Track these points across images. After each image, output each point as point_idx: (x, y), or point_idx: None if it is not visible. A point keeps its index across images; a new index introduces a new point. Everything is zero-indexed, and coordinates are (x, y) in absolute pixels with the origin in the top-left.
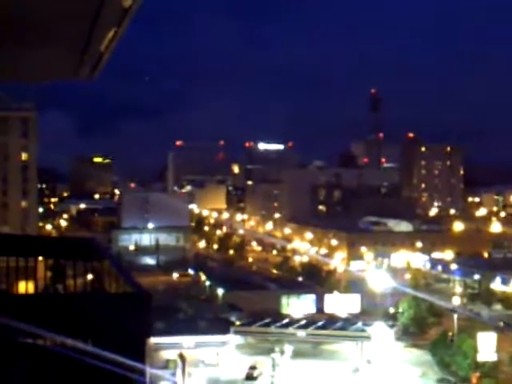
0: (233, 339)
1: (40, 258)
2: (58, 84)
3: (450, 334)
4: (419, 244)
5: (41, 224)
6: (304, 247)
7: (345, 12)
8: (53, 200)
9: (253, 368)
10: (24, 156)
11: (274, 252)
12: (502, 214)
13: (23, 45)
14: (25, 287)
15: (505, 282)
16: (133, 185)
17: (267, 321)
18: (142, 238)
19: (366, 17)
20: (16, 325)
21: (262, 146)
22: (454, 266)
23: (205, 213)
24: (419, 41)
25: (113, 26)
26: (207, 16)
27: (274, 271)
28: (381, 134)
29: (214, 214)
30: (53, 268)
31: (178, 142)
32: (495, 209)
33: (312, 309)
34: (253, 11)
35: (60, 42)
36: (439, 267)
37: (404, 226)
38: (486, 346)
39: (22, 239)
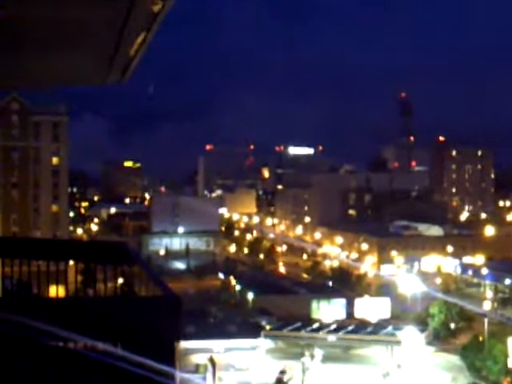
0: (263, 343)
1: (71, 262)
2: (90, 87)
3: (481, 338)
4: (450, 248)
5: (71, 228)
6: (334, 251)
7: (375, 14)
8: (83, 204)
9: (283, 372)
10: (55, 160)
11: (305, 256)
12: None
13: (54, 50)
14: (56, 291)
15: None
16: (163, 189)
17: (297, 325)
18: (172, 243)
19: (395, 20)
20: (47, 328)
21: (292, 150)
22: (484, 271)
23: (235, 217)
24: (450, 43)
25: (142, 30)
26: (237, 18)
27: (305, 275)
28: (411, 138)
29: (244, 219)
30: (83, 272)
31: (208, 146)
32: None
33: (342, 313)
34: (282, 13)
35: (90, 48)
36: (470, 272)
37: (435, 231)
38: None
39: (53, 243)
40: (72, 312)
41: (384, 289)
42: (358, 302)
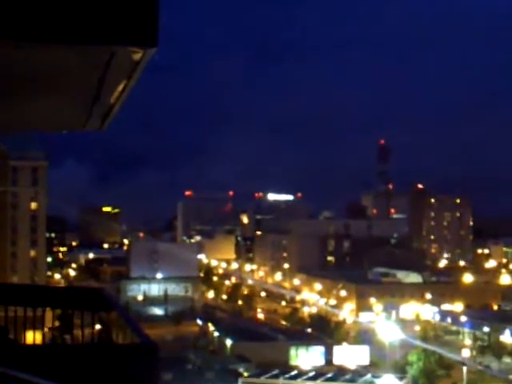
0: None
1: (48, 308)
2: (70, 133)
3: None
4: (428, 296)
5: (49, 273)
6: (313, 298)
7: (353, 61)
8: (62, 249)
9: None
10: (33, 205)
11: (283, 303)
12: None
13: (31, 96)
14: (32, 337)
15: None
16: (142, 234)
17: (276, 372)
18: (150, 288)
19: (375, 63)
20: (23, 376)
21: (271, 196)
22: (463, 318)
23: (214, 263)
24: (429, 92)
25: (123, 78)
26: (215, 64)
27: (283, 322)
28: (390, 185)
29: (223, 265)
30: (60, 318)
31: (188, 192)
32: (504, 261)
33: (321, 360)
34: (262, 58)
35: (69, 95)
36: (449, 319)
37: (413, 278)
38: None
39: (30, 289)
40: (49, 359)
41: (362, 336)
42: (336, 349)
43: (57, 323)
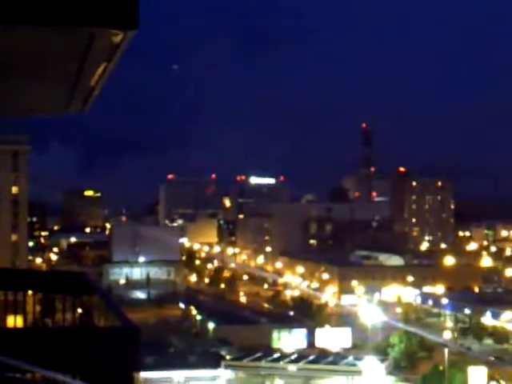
0: (223, 374)
1: (29, 292)
2: (52, 117)
3: (441, 368)
4: (410, 278)
5: (31, 258)
6: (295, 281)
7: (338, 45)
8: (43, 234)
9: None
10: (14, 189)
11: (266, 286)
12: (493, 249)
13: (11, 80)
14: (13, 321)
15: (495, 316)
16: (124, 218)
17: (258, 355)
18: (132, 272)
19: (360, 51)
20: (4, 359)
21: (253, 179)
22: (444, 301)
23: (196, 246)
24: (414, 74)
25: (103, 61)
26: (198, 50)
27: (265, 305)
28: (372, 169)
29: (206, 248)
30: (42, 302)
31: (170, 176)
32: (485, 243)
33: (303, 343)
34: (241, 43)
35: (49, 78)
36: (430, 301)
37: (395, 260)
38: (477, 381)
39: (11, 273)
40: (30, 343)
41: (345, 319)
42: (318, 331)
43: (38, 307)
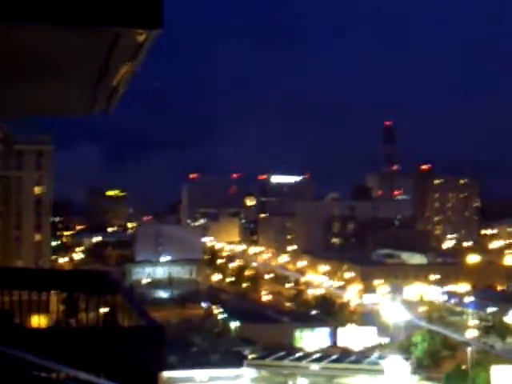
0: (246, 373)
1: (53, 292)
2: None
3: (464, 367)
4: (433, 277)
5: (54, 257)
6: (318, 280)
7: (361, 42)
8: (67, 233)
9: None
10: (38, 189)
11: (288, 285)
12: None
13: (36, 81)
14: (38, 321)
15: None
16: (147, 218)
17: (281, 354)
18: (155, 271)
19: (382, 48)
20: (30, 358)
21: (275, 178)
22: (468, 299)
23: (218, 246)
24: (438, 71)
25: (127, 61)
26: (223, 48)
27: (288, 304)
28: (395, 167)
29: (228, 247)
30: (66, 302)
31: (192, 175)
32: (509, 241)
33: (326, 342)
34: (267, 42)
35: (74, 78)
36: (453, 300)
37: (418, 259)
38: (501, 379)
39: (35, 273)
40: (55, 342)
41: (367, 317)
42: (341, 330)
43: (62, 307)
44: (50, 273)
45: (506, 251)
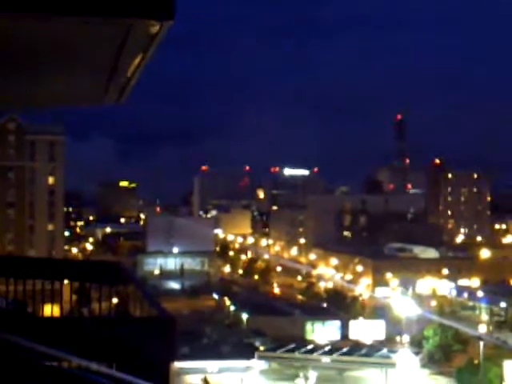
0: (257, 364)
1: (65, 282)
2: (90, 108)
3: (476, 361)
4: (445, 271)
5: (66, 247)
6: (329, 273)
7: (373, 37)
8: (79, 224)
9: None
10: (51, 180)
11: (299, 277)
12: None
13: (46, 71)
14: (50, 310)
15: None
16: (158, 209)
17: (292, 346)
18: (166, 263)
19: (392, 41)
20: (41, 348)
21: (287, 171)
22: (480, 294)
23: (230, 237)
24: (448, 67)
25: (139, 52)
26: (236, 43)
27: (299, 297)
28: (407, 160)
29: (239, 239)
30: (78, 291)
31: (204, 167)
32: None
33: (337, 335)
34: (279, 37)
35: (86, 69)
36: (465, 294)
37: (430, 253)
38: None
39: (48, 262)
40: (67, 331)
41: (379, 311)
42: (352, 323)
43: (74, 296)
44: (62, 262)
45: None
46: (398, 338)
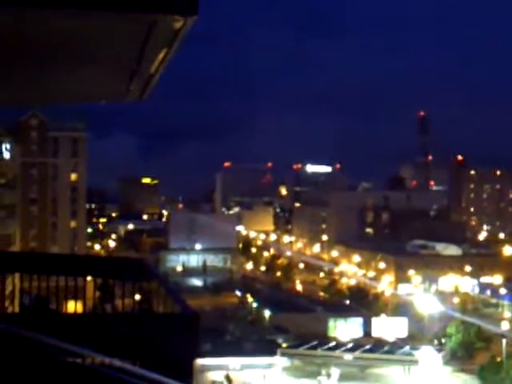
0: (279, 361)
1: (89, 278)
2: (113, 104)
3: (499, 359)
4: (468, 268)
5: (89, 244)
6: (351, 270)
7: (394, 34)
8: (101, 220)
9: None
10: (73, 176)
11: (322, 274)
12: None
13: (71, 66)
14: (74, 307)
15: None
16: (181, 206)
17: (314, 343)
18: (189, 259)
19: (415, 38)
20: (65, 345)
21: (309, 168)
22: (503, 291)
23: (252, 234)
24: (470, 62)
25: (163, 47)
26: (257, 40)
27: (322, 294)
28: (429, 157)
29: (262, 236)
30: (101, 288)
31: (226, 164)
32: None
33: (359, 332)
34: (299, 33)
35: (110, 64)
36: (488, 292)
37: (452, 250)
38: None
39: (71, 259)
40: (90, 328)
41: (401, 308)
42: (374, 320)
43: (98, 293)
44: (85, 259)
45: None
46: (420, 336)
